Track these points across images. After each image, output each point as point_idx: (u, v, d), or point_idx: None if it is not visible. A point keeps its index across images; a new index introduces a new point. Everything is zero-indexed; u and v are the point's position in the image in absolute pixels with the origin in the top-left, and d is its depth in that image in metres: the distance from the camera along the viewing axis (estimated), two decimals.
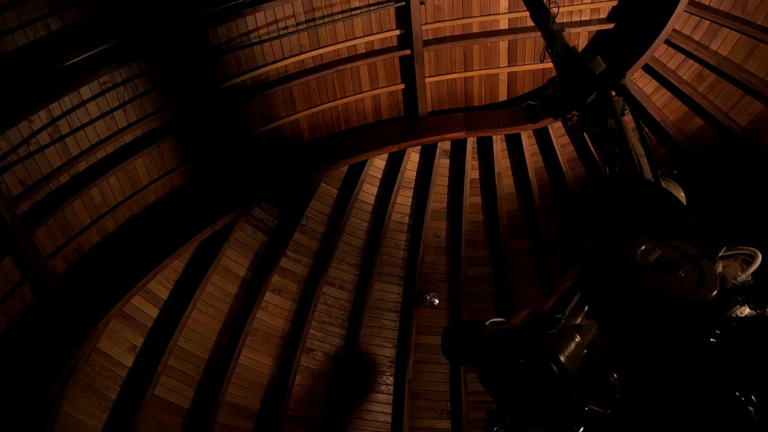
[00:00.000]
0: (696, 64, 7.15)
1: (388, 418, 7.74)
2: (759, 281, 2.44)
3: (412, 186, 8.28)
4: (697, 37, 6.99)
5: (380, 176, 8.19)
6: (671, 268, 2.21)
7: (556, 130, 7.87)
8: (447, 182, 8.29)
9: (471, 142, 8.02)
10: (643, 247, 2.32)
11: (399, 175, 8.02)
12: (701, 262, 2.25)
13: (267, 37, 6.60)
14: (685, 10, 6.76)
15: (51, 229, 6.01)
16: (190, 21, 6.04)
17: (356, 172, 7.97)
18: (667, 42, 7.09)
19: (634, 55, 7.22)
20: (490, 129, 7.78)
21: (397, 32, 7.15)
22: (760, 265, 2.55)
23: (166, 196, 6.93)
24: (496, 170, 8.04)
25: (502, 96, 7.92)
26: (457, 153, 8.16)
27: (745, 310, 2.27)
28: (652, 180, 2.91)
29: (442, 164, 8.21)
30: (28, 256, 5.73)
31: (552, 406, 2.05)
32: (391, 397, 7.82)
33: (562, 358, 1.99)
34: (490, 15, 7.22)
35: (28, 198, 5.69)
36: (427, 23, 7.13)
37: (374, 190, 8.18)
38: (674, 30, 6.96)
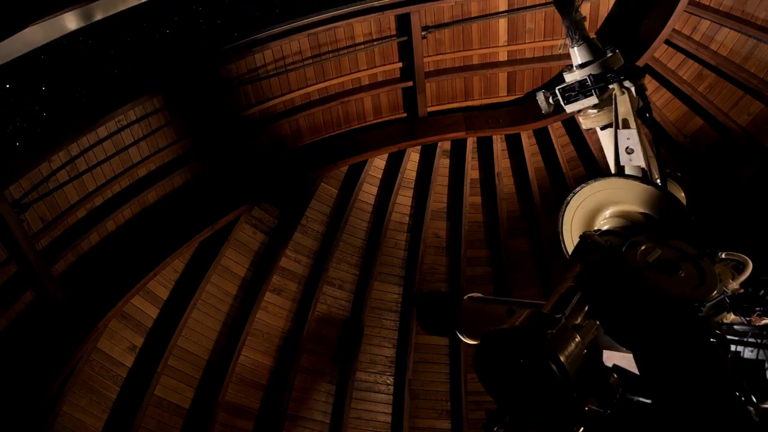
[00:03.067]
0: (696, 64, 7.15)
1: (388, 418, 7.73)
2: (747, 289, 2.39)
3: (412, 186, 8.27)
4: (697, 37, 6.99)
5: (380, 176, 8.19)
6: (671, 268, 2.22)
7: (556, 130, 7.87)
8: (447, 182, 8.28)
9: (471, 142, 8.02)
10: (643, 247, 2.33)
11: (399, 175, 8.02)
12: (701, 261, 2.25)
13: (274, 72, 6.81)
14: (685, 10, 6.76)
15: (69, 262, 6.18)
16: (201, 60, 6.28)
17: (356, 172, 7.97)
18: (667, 42, 7.09)
19: (634, 55, 7.22)
20: (490, 129, 7.79)
21: (400, 65, 7.33)
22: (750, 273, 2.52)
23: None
24: (496, 170, 8.04)
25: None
26: (457, 153, 8.15)
27: (730, 317, 2.26)
28: (659, 181, 2.90)
29: (442, 164, 8.20)
30: (48, 290, 5.86)
31: (552, 406, 2.05)
32: (391, 397, 7.81)
33: (562, 358, 1.99)
34: (489, 47, 7.36)
35: (48, 233, 5.84)
36: (428, 55, 7.27)
37: (374, 190, 8.17)
38: (674, 30, 6.96)
